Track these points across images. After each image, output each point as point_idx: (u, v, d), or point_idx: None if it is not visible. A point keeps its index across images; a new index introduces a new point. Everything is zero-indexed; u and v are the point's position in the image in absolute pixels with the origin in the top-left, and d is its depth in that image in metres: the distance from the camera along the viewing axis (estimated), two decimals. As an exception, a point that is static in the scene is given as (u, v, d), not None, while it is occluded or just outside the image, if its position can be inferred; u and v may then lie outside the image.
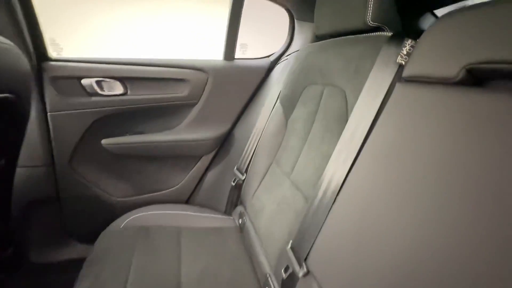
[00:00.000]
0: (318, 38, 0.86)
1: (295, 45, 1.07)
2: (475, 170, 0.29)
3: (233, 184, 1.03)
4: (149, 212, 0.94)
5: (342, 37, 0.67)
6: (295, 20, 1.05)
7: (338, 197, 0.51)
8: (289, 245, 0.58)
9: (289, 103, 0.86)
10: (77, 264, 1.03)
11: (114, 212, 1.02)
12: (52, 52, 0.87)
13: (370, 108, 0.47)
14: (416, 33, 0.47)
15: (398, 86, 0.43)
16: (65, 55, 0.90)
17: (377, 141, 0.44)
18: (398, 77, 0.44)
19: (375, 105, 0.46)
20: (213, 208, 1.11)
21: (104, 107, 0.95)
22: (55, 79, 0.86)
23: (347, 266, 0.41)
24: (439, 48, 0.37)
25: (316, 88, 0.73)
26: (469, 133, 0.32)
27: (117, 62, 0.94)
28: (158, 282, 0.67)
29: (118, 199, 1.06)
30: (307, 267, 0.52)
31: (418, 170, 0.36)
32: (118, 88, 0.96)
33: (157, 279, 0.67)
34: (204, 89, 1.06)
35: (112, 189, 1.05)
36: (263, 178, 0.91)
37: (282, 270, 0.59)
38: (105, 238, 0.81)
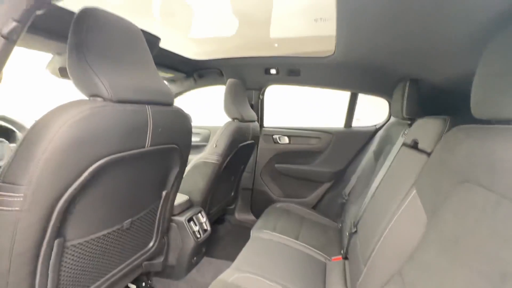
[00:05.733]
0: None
1: (391, 120, 1.65)
2: None
3: (340, 202, 1.67)
4: (289, 204, 1.77)
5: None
6: (390, 104, 1.65)
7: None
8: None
9: (377, 155, 1.46)
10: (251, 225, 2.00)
11: (271, 202, 1.95)
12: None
13: None
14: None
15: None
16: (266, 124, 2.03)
17: None
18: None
19: None
20: (325, 214, 1.77)
21: (278, 148, 1.97)
22: (264, 136, 1.98)
23: None
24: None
25: (389, 148, 1.32)
26: None
27: (285, 127, 1.96)
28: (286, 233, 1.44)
29: (275, 196, 2.00)
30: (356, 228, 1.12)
31: None
32: (286, 140, 1.95)
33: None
34: (330, 143, 1.84)
35: (274, 190, 2.01)
36: (361, 199, 1.51)
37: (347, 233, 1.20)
38: (270, 209, 1.72)
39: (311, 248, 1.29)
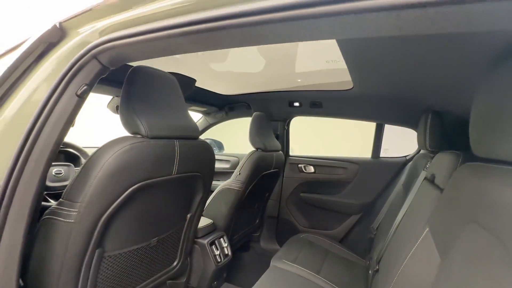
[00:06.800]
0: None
1: (421, 151, 1.57)
2: None
3: (368, 236, 1.59)
4: (314, 236, 1.73)
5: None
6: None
7: None
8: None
9: (406, 188, 1.39)
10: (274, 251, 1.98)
11: (297, 232, 1.92)
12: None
13: None
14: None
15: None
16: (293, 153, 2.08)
17: None
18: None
19: None
20: (353, 249, 1.68)
21: (304, 178, 1.98)
22: (289, 165, 2.03)
23: None
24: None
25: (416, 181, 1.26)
26: None
27: (310, 157, 1.98)
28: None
29: (301, 226, 1.97)
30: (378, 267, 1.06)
31: None
32: (311, 169, 1.97)
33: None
34: (356, 174, 1.80)
35: (299, 220, 1.99)
36: (386, 235, 1.43)
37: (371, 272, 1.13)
38: (293, 239, 1.70)
39: (332, 284, 1.23)
